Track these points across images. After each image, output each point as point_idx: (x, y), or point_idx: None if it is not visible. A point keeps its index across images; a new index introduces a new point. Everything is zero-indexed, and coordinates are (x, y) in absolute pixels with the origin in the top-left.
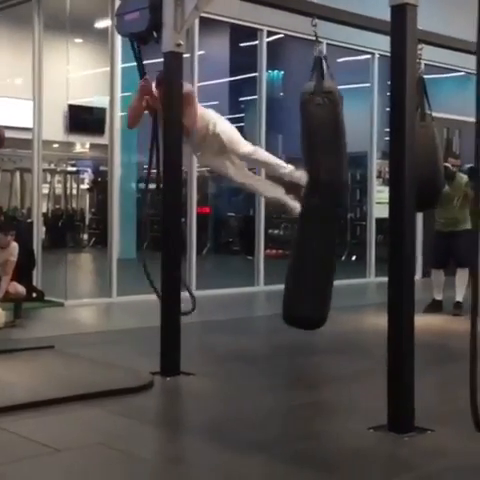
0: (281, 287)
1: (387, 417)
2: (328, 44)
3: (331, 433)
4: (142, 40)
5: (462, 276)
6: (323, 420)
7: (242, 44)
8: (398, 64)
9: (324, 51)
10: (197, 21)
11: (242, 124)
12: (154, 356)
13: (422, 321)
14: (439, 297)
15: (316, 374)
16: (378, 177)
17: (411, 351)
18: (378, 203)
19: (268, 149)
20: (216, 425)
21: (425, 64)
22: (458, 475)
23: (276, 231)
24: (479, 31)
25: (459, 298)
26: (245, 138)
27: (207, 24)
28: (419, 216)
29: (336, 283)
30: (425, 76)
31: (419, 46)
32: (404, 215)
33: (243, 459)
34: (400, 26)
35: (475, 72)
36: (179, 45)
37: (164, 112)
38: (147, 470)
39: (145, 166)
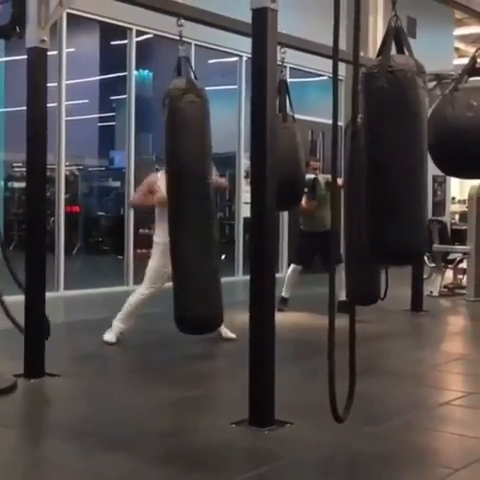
0: None
1: (248, 412)
2: (197, 45)
3: (194, 429)
4: (4, 35)
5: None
6: (187, 417)
7: (112, 43)
8: (259, 66)
9: (192, 51)
10: (65, 18)
11: (113, 123)
12: (18, 358)
13: (285, 317)
14: (288, 294)
15: (182, 371)
16: (246, 177)
17: (271, 346)
18: (246, 203)
19: (138, 149)
20: (80, 425)
21: (291, 68)
22: (314, 464)
23: (147, 231)
24: (335, 37)
25: (286, 294)
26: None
27: (76, 22)
28: (285, 215)
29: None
30: (291, 79)
31: (282, 50)
32: (265, 214)
33: (106, 458)
34: (261, 29)
35: (340, 76)
36: (43, 41)
37: (28, 107)
38: (5, 473)
39: (14, 164)
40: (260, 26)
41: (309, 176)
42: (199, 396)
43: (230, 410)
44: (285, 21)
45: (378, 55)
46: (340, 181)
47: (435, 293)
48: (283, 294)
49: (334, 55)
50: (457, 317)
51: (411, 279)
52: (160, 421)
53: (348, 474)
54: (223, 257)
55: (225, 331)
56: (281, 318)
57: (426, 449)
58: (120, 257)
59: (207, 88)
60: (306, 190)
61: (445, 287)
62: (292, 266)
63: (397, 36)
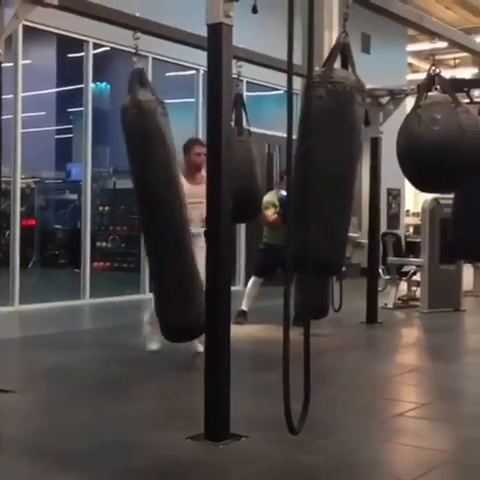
0: (107, 300)
1: (203, 426)
2: (154, 59)
3: (150, 444)
4: None
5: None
6: (143, 432)
7: (69, 55)
8: (214, 80)
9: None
10: (21, 30)
11: (70, 135)
12: None
13: (242, 330)
14: (247, 307)
15: (138, 386)
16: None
17: (227, 360)
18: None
19: (96, 161)
20: (33, 440)
21: (248, 82)
22: (268, 478)
23: (104, 244)
24: (289, 52)
25: (245, 307)
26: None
27: (33, 33)
28: (242, 228)
29: None
30: (248, 93)
31: (238, 64)
32: (220, 226)
33: (57, 473)
34: (216, 44)
35: (295, 90)
36: None
37: None
38: None
39: None
40: (215, 41)
41: (284, 193)
42: (155, 410)
43: (186, 424)
44: (244, 35)
45: (322, 67)
46: None
47: (390, 305)
48: (242, 307)
49: (289, 70)
50: (411, 329)
51: (366, 291)
52: (115, 436)
53: None
54: None
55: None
56: (238, 331)
57: (379, 461)
58: (77, 270)
59: (165, 101)
60: (278, 204)
61: (400, 299)
62: (253, 278)
63: (343, 52)
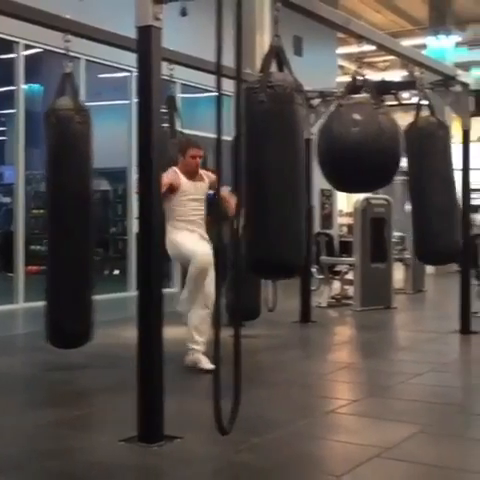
0: (42, 303)
1: (137, 428)
2: (87, 60)
3: (81, 448)
4: None
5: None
6: (74, 436)
7: (0, 56)
8: (144, 82)
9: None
10: None
11: (3, 138)
12: None
13: (177, 331)
14: None
15: (72, 390)
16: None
17: (160, 361)
18: (137, 218)
19: (29, 164)
20: None
21: (182, 84)
22: (201, 479)
23: (38, 247)
24: (218, 53)
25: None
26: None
27: None
28: None
29: (97, 298)
30: (183, 95)
31: (170, 66)
32: (152, 228)
33: None
34: (145, 46)
35: (228, 92)
36: None
37: None
38: None
39: None
40: (144, 43)
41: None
42: (87, 414)
43: (119, 427)
44: (177, 38)
45: (260, 72)
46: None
47: (323, 304)
48: None
49: (217, 71)
50: (344, 327)
51: (300, 291)
52: (44, 442)
53: None
54: (116, 272)
55: None
56: (171, 332)
57: (311, 457)
58: (10, 274)
59: (98, 103)
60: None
61: (333, 298)
62: None
63: (278, 55)
